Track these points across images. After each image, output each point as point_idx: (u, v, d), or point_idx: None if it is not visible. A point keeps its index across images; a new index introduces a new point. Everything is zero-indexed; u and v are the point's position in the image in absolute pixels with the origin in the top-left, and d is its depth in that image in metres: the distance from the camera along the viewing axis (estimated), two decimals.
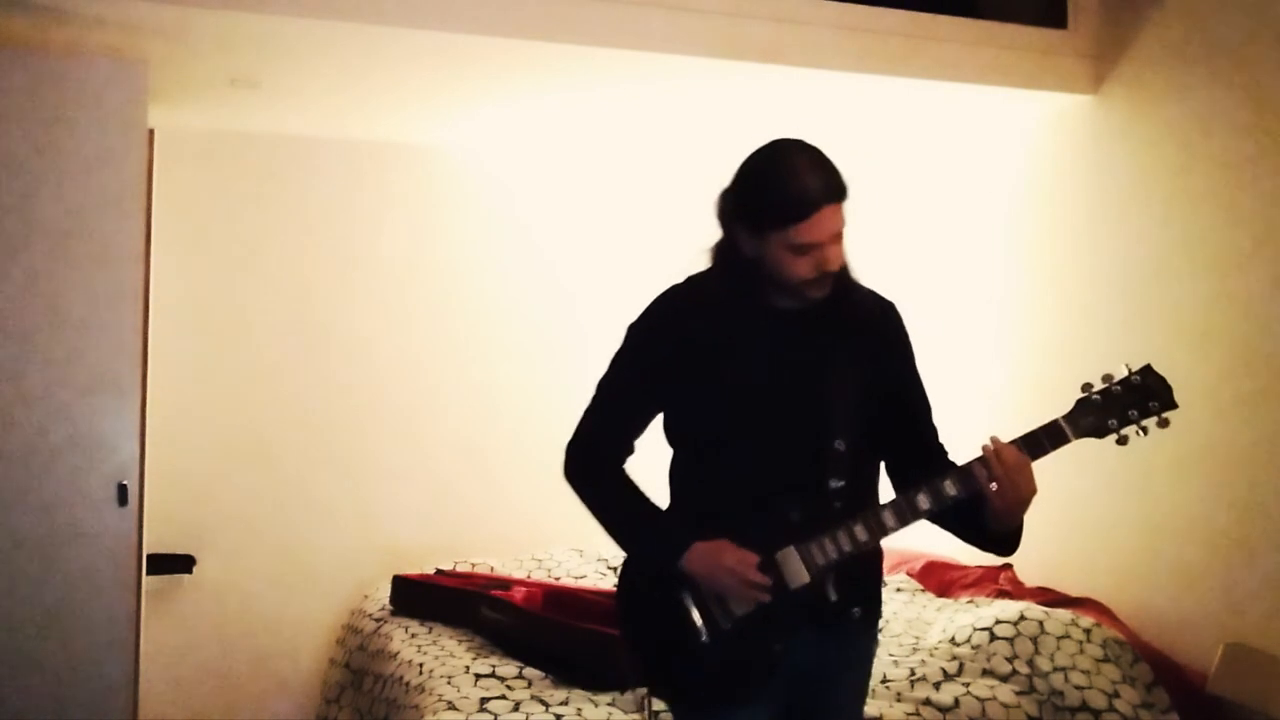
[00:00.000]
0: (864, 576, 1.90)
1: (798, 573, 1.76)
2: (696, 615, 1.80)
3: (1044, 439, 1.76)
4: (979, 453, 1.77)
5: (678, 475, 1.93)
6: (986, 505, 1.75)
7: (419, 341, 4.26)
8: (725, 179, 1.82)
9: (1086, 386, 1.76)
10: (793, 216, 1.70)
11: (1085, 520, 3.41)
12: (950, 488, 1.75)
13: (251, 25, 2.79)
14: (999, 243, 3.84)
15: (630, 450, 1.92)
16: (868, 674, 2.02)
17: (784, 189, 1.71)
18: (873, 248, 4.51)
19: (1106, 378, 1.77)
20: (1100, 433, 1.77)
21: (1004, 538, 1.82)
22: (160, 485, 3.74)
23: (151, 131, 3.40)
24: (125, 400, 3.04)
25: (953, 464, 1.84)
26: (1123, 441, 1.77)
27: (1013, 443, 1.75)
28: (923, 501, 1.76)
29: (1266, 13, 2.93)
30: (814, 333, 1.83)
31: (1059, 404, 1.83)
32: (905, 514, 1.78)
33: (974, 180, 3.97)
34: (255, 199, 4.08)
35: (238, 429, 4.02)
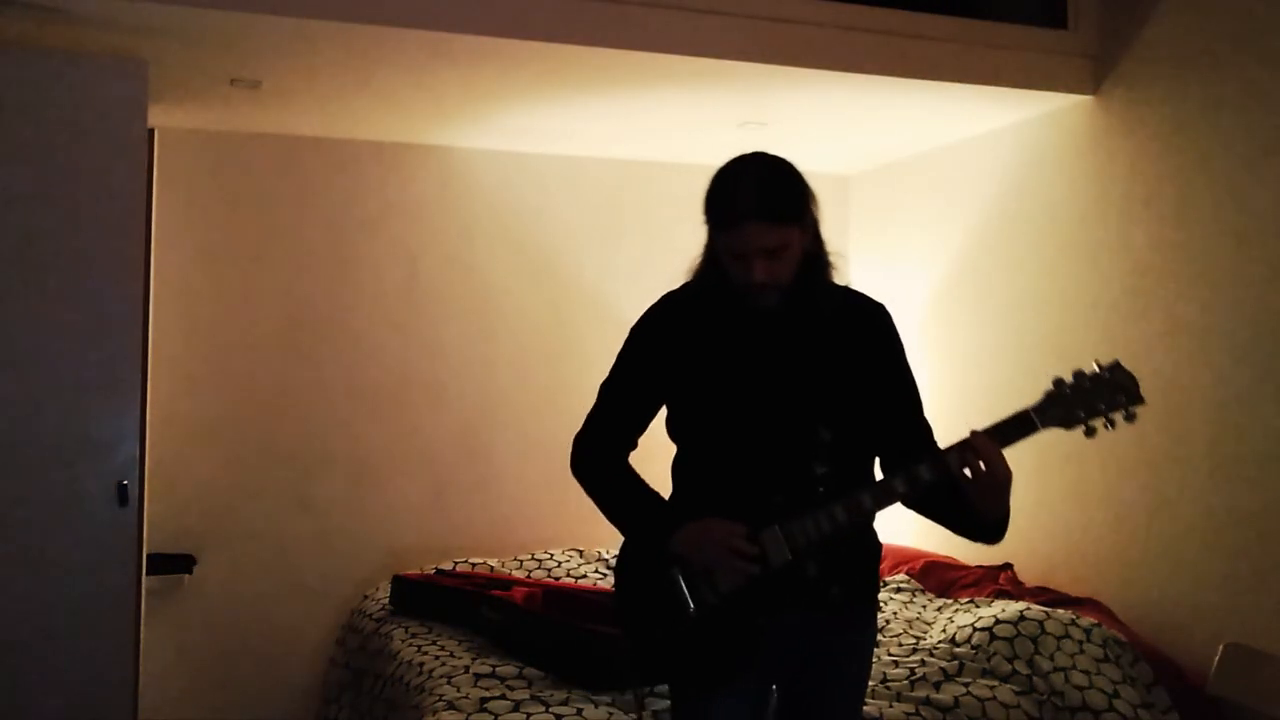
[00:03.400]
0: (852, 564, 1.97)
1: (780, 551, 1.83)
2: (686, 591, 1.89)
3: (1012, 427, 1.81)
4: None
5: (678, 468, 2.04)
6: (965, 492, 1.81)
7: (419, 341, 4.26)
8: None
9: (1058, 380, 1.81)
10: (720, 222, 1.86)
11: (1085, 520, 3.41)
12: (925, 472, 1.82)
13: (251, 25, 2.79)
14: (998, 242, 3.84)
15: (631, 445, 2.04)
16: (868, 667, 2.07)
17: (718, 195, 1.86)
18: (872, 248, 4.53)
19: (1077, 372, 1.82)
20: (1068, 424, 1.81)
21: (989, 525, 1.87)
22: (160, 485, 3.75)
23: (152, 131, 3.40)
24: (125, 400, 3.03)
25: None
26: (1090, 433, 1.81)
27: (984, 430, 1.81)
28: (899, 485, 1.83)
29: (1265, 13, 2.93)
30: (797, 331, 1.93)
31: None
32: (881, 497, 1.86)
33: (973, 180, 3.97)
34: (255, 199, 4.08)
35: (238, 429, 4.02)
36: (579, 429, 2.07)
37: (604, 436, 2.04)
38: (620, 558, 2.08)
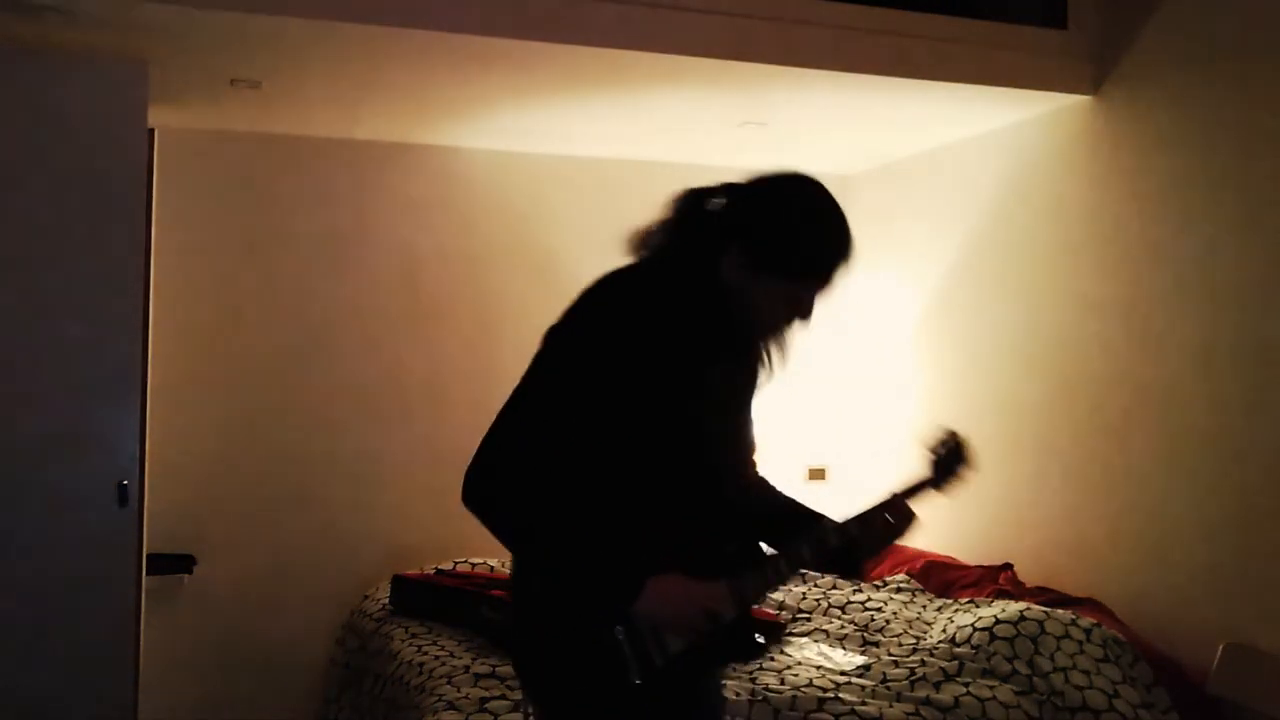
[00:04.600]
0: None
1: (728, 607, 1.69)
2: (630, 653, 1.65)
3: (916, 491, 1.86)
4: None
5: (584, 495, 1.68)
6: (870, 543, 1.85)
7: (419, 341, 4.25)
8: (751, 192, 1.71)
9: (931, 446, 1.88)
10: (823, 274, 1.73)
11: (1085, 520, 3.41)
12: (854, 528, 1.81)
13: (251, 25, 2.79)
14: (998, 243, 3.84)
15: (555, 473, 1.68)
16: None
17: (836, 248, 1.74)
18: (872, 248, 4.52)
19: (938, 437, 1.89)
20: (940, 486, 1.88)
21: (865, 567, 1.96)
22: (160, 485, 3.74)
23: (152, 131, 3.40)
24: (125, 400, 3.04)
25: (803, 507, 1.91)
26: (944, 491, 1.90)
27: (901, 493, 1.85)
28: (832, 538, 1.80)
29: (1265, 14, 2.93)
30: (745, 364, 1.83)
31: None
32: (816, 550, 1.80)
33: (973, 180, 3.97)
34: (255, 199, 4.08)
35: (238, 429, 4.02)
36: (489, 446, 1.69)
37: (537, 463, 1.66)
38: (547, 610, 1.73)
